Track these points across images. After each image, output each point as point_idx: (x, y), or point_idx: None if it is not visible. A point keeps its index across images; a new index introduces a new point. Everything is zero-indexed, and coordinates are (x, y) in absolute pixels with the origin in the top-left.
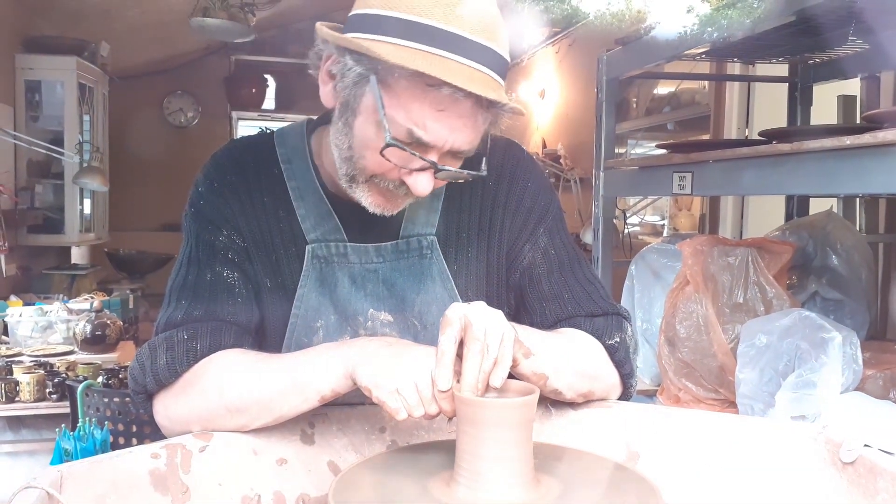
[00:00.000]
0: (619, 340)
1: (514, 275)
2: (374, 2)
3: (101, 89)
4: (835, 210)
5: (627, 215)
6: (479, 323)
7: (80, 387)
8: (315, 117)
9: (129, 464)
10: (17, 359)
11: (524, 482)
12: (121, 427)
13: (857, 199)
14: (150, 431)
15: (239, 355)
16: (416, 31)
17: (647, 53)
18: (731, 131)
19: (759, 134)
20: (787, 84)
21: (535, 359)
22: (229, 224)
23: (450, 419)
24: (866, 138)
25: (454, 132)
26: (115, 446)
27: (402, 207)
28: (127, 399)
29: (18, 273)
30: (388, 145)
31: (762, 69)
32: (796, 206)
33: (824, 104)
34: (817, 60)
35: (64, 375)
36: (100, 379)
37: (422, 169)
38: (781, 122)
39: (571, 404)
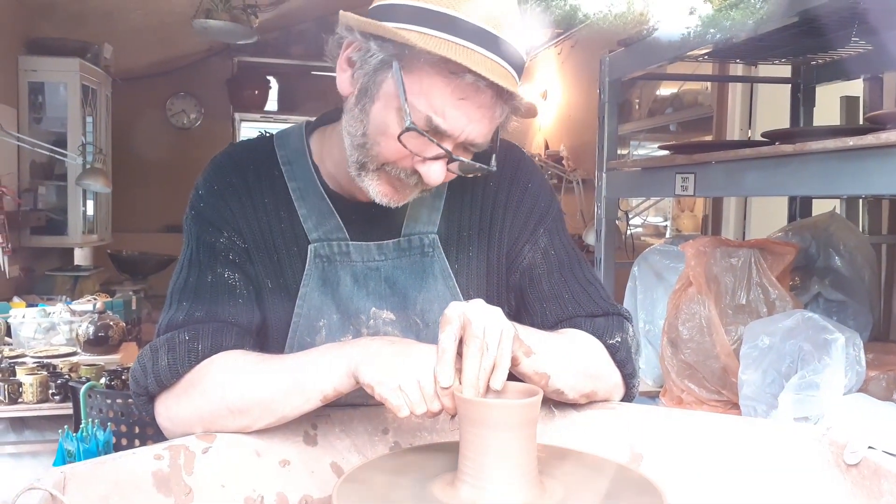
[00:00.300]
0: (620, 340)
1: (514, 275)
2: None
3: (104, 91)
4: (838, 211)
5: (630, 216)
6: (478, 321)
7: (83, 388)
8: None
9: (132, 465)
10: (20, 360)
11: (527, 484)
12: (123, 428)
13: (860, 201)
14: (152, 433)
15: (240, 356)
16: (442, 21)
17: (649, 55)
18: (734, 132)
19: (762, 135)
20: (790, 85)
21: (536, 358)
22: (230, 225)
23: (452, 417)
24: (869, 139)
25: (472, 122)
26: (117, 447)
27: (407, 201)
28: (130, 400)
29: (21, 274)
30: (407, 129)
31: (765, 70)
32: (799, 208)
33: (827, 105)
34: (820, 61)
35: (67, 377)
36: (103, 380)
37: (435, 158)
38: (784, 123)
39: (574, 405)
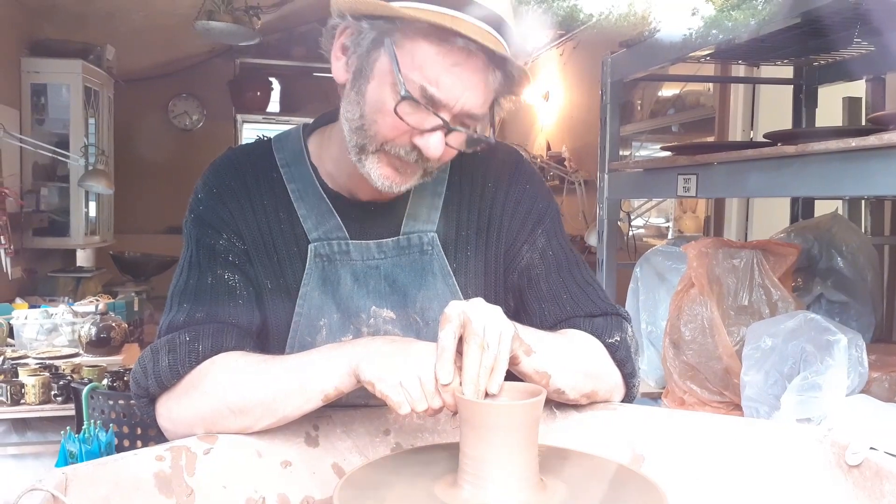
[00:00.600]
0: (619, 339)
1: (513, 275)
2: None
3: (106, 92)
4: (840, 212)
5: (632, 217)
6: (479, 319)
7: (86, 389)
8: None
9: (133, 466)
10: (22, 361)
11: (529, 485)
12: (126, 429)
13: (863, 201)
14: (154, 434)
15: (241, 357)
16: None
17: (651, 56)
18: (736, 133)
19: (764, 136)
20: (792, 86)
21: (536, 357)
22: (229, 227)
23: (454, 414)
24: (872, 140)
25: (466, 90)
26: (119, 449)
27: (410, 185)
28: (132, 402)
29: (24, 276)
30: (402, 99)
31: (767, 71)
32: (801, 209)
33: (829, 106)
34: (822, 62)
35: (69, 378)
36: (105, 381)
37: (433, 130)
38: (786, 124)
39: (576, 406)
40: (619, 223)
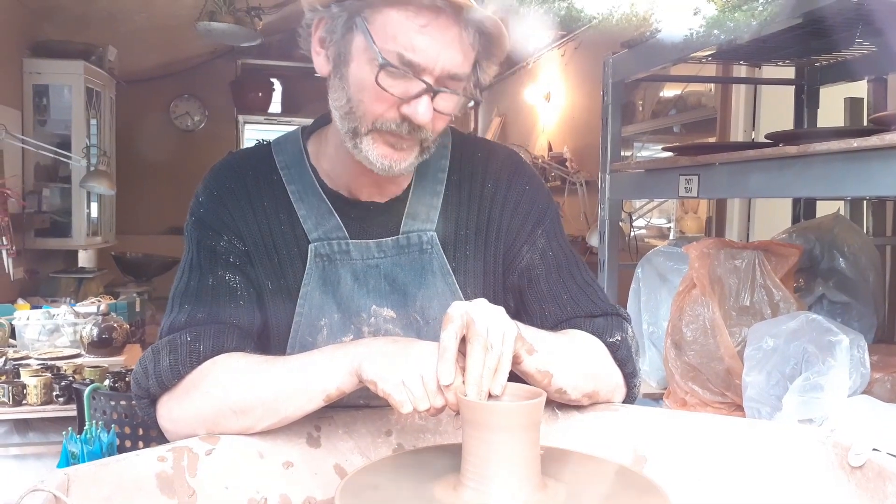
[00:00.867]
0: (620, 339)
1: (513, 276)
2: None
3: (108, 93)
4: (842, 213)
5: (633, 218)
6: (482, 320)
7: (87, 390)
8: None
9: (135, 467)
10: (24, 362)
11: (531, 486)
12: (127, 430)
13: (865, 202)
14: (156, 434)
15: (242, 357)
16: None
17: (652, 56)
18: (738, 134)
19: (766, 136)
20: (794, 86)
21: (538, 356)
22: (229, 229)
23: (455, 415)
24: (873, 141)
25: (442, 49)
26: (121, 449)
27: (409, 163)
28: (133, 402)
29: (26, 276)
30: (381, 67)
31: (768, 71)
32: (803, 209)
33: (831, 106)
34: (824, 63)
35: (71, 378)
36: (106, 382)
37: (418, 95)
38: (788, 124)
39: (577, 407)
40: (620, 224)
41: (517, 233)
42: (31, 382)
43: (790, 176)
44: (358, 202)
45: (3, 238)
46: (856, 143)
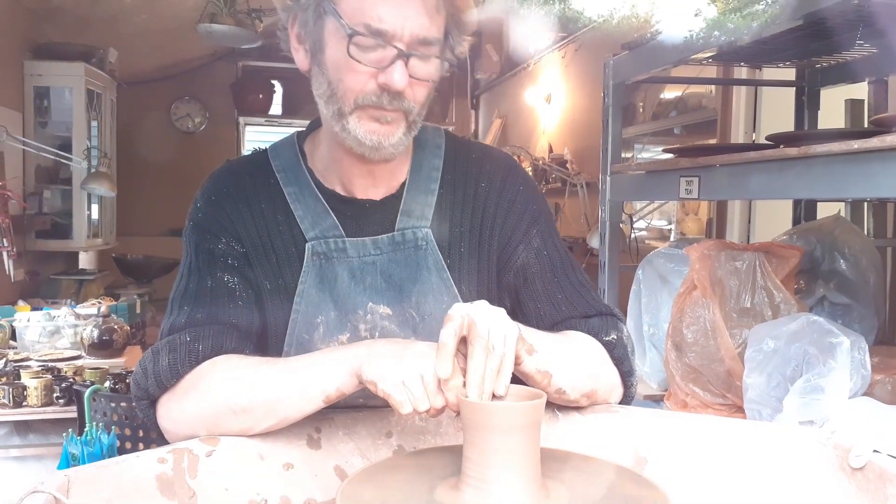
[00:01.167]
0: (616, 338)
1: (508, 275)
2: None
3: (108, 95)
4: (843, 214)
5: (634, 220)
6: (483, 321)
7: (88, 391)
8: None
9: (135, 468)
10: (24, 363)
11: (531, 487)
12: (128, 431)
13: (865, 204)
14: (156, 436)
15: (242, 359)
16: None
17: (653, 58)
18: (739, 135)
19: (767, 138)
20: (795, 88)
21: (538, 356)
22: (227, 231)
23: (456, 415)
24: (874, 142)
25: (408, 13)
26: (121, 451)
27: (398, 137)
28: (133, 404)
29: (26, 278)
30: (350, 37)
31: (769, 73)
32: (804, 211)
33: (832, 108)
34: (825, 64)
35: (71, 380)
36: (107, 384)
37: (392, 62)
38: (789, 126)
39: (578, 409)
40: (621, 225)
41: (512, 232)
42: (32, 384)
43: (791, 177)
44: (354, 200)
45: (4, 240)
46: (856, 144)
